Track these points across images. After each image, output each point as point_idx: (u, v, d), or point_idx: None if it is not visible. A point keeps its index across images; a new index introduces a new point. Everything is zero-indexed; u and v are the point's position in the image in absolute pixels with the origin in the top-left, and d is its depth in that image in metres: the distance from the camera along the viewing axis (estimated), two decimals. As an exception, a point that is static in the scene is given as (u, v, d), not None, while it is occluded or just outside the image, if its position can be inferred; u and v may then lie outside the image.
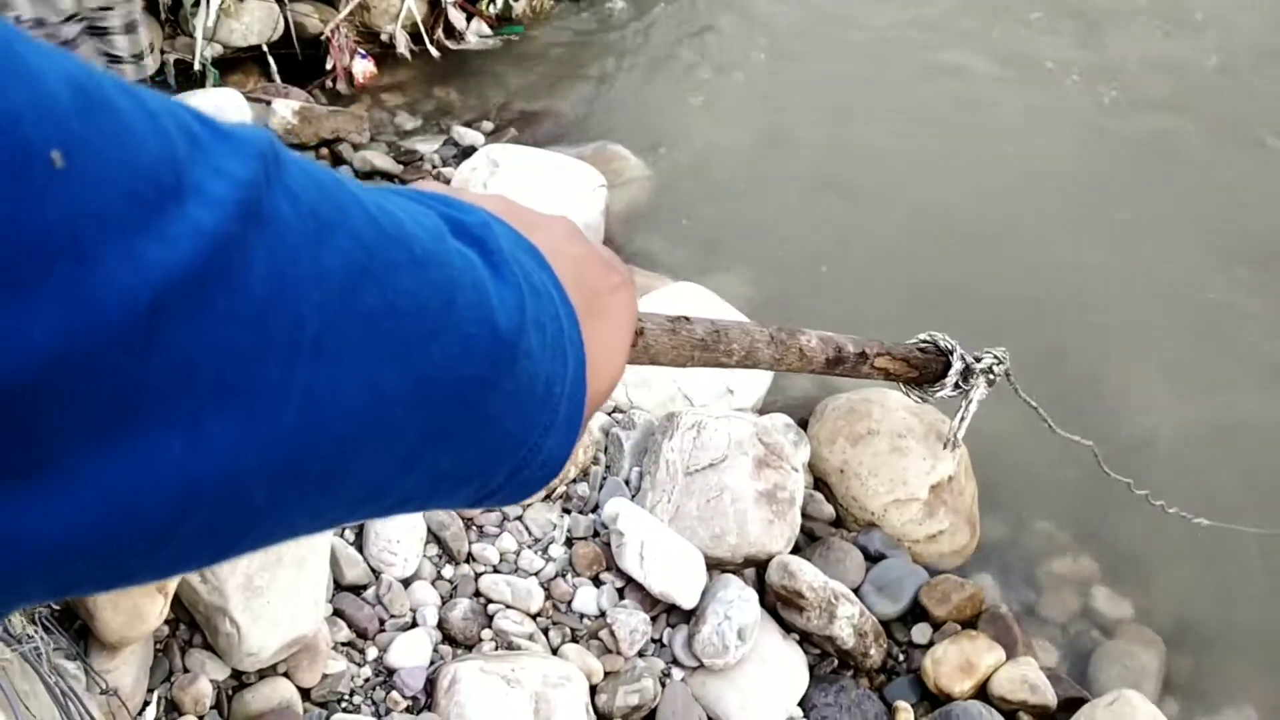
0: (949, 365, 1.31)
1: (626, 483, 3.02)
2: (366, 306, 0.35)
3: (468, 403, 0.40)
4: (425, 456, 0.40)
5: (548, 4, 5.57)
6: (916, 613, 2.99)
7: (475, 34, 5.26)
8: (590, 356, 0.50)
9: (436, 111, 4.82)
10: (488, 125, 4.71)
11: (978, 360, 1.16)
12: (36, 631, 1.57)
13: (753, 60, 5.26)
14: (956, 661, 2.81)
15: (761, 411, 3.38)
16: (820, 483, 3.28)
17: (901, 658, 2.92)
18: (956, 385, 1.19)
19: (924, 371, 1.22)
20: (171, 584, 2.21)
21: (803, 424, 3.36)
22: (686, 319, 0.94)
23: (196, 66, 4.53)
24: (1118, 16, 5.48)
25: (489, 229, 0.45)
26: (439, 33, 5.12)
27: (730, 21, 5.52)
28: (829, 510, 3.22)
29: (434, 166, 4.44)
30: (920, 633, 2.95)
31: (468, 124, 4.74)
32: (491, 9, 5.35)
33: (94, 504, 0.30)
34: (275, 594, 2.37)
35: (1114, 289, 4.03)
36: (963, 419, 1.28)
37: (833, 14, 5.50)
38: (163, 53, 4.60)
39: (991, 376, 1.23)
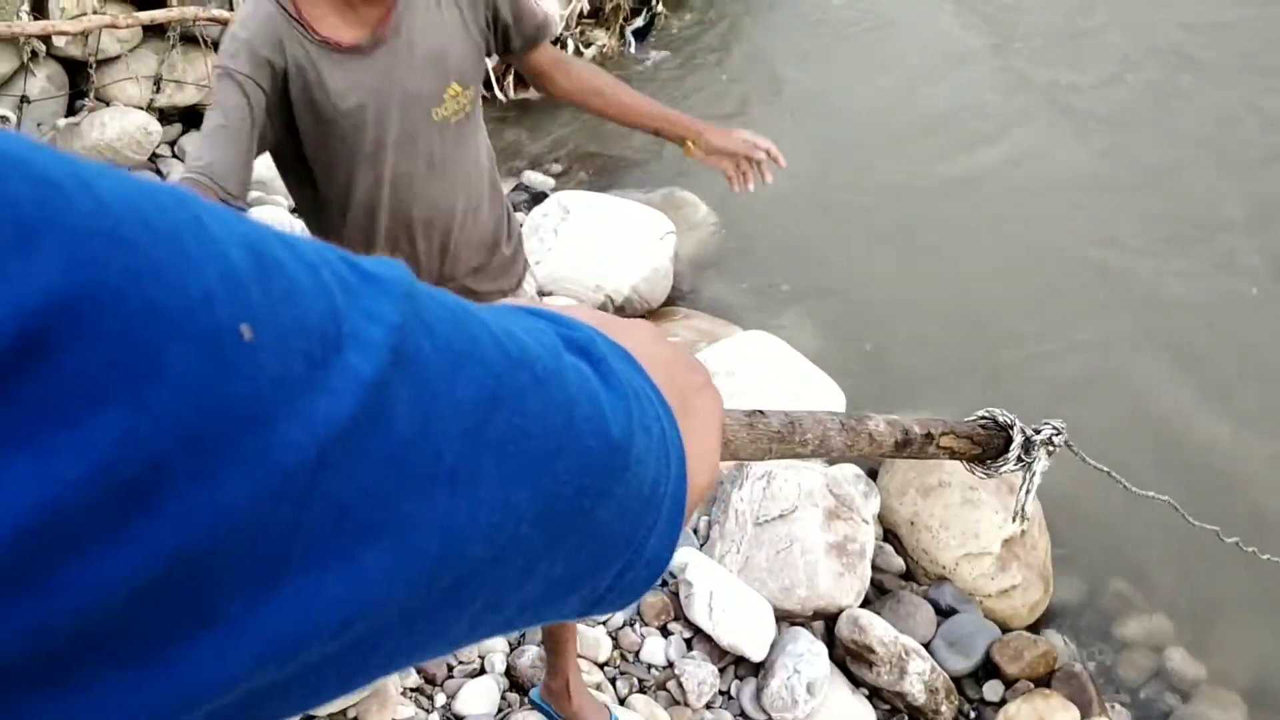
0: (1009, 440, 1.30)
1: (695, 532, 3.01)
2: (498, 432, 0.36)
3: (585, 512, 0.41)
4: (542, 565, 0.40)
5: (616, 48, 5.64)
6: (988, 669, 2.94)
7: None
8: (688, 454, 0.50)
9: (506, 154, 4.89)
10: (556, 168, 4.77)
11: (1037, 433, 1.16)
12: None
13: (813, 104, 5.28)
14: (1030, 720, 2.76)
15: (831, 462, 3.36)
16: (890, 534, 3.25)
17: (973, 715, 2.87)
18: (1019, 459, 1.18)
19: (986, 448, 1.23)
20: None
21: (872, 475, 3.33)
22: (762, 413, 0.94)
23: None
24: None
25: (594, 342, 0.46)
26: (508, 80, 5.20)
27: (783, 66, 5.57)
28: (899, 563, 3.18)
29: (504, 211, 4.48)
30: (992, 690, 2.90)
31: (535, 166, 4.80)
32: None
33: (254, 650, 0.30)
34: (348, 639, 2.38)
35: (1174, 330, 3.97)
36: (1028, 491, 1.27)
37: (895, 56, 5.51)
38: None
39: (1051, 448, 1.23)
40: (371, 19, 1.74)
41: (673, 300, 4.09)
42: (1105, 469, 1.25)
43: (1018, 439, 1.12)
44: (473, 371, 0.35)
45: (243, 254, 0.29)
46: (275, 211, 3.98)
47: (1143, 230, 4.42)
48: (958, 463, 3.05)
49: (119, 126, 4.18)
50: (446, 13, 1.82)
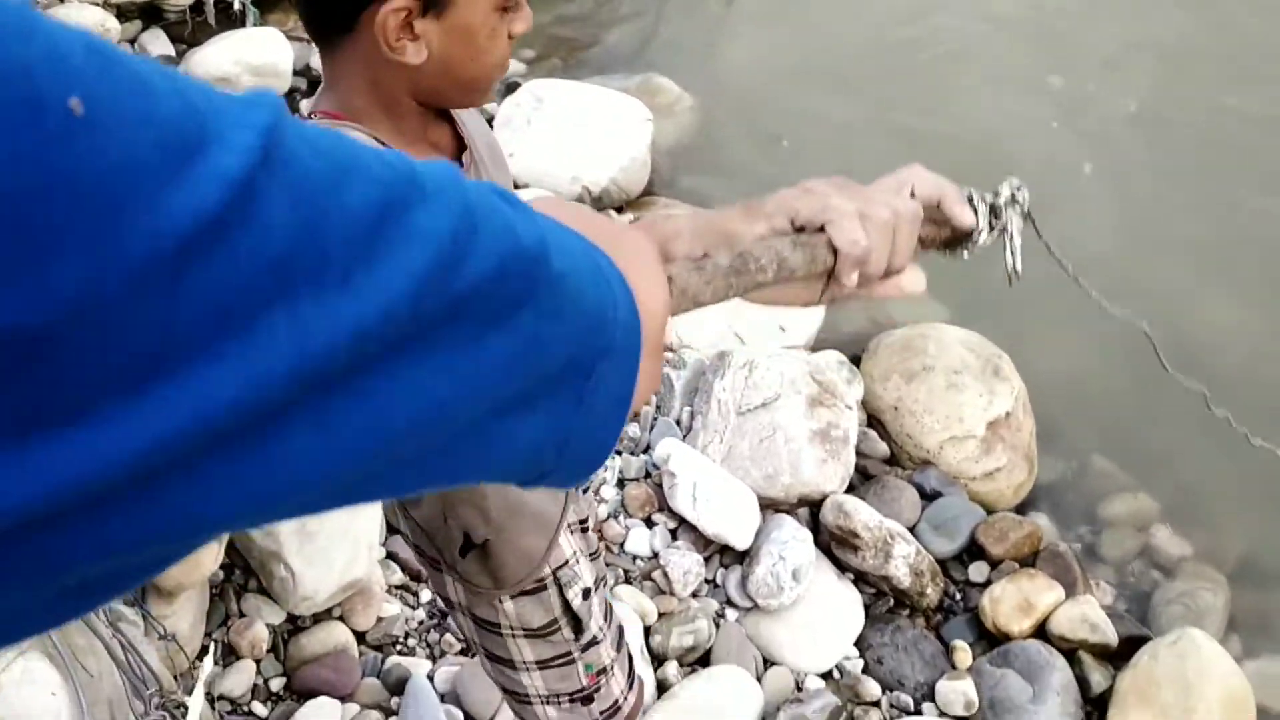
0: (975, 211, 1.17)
1: (678, 423, 2.99)
2: (390, 239, 0.36)
3: (505, 318, 0.41)
4: (466, 367, 0.40)
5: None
6: (973, 551, 2.94)
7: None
8: (632, 285, 0.51)
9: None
10: (528, 54, 4.64)
11: (996, 195, 1.05)
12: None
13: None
14: (1015, 600, 2.77)
15: (814, 349, 3.33)
16: (874, 420, 3.23)
17: (958, 597, 2.88)
18: (990, 227, 1.06)
19: (956, 230, 1.12)
20: (226, 529, 2.21)
21: (855, 361, 3.30)
22: (707, 254, 0.90)
23: (236, 6, 4.49)
24: None
25: (496, 188, 0.47)
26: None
27: None
28: (883, 448, 3.17)
29: (477, 103, 4.37)
30: (977, 571, 2.91)
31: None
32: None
33: (137, 447, 0.31)
34: (329, 538, 2.37)
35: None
36: (1013, 252, 1.14)
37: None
38: (202, -8, 4.56)
39: (1017, 203, 1.11)
40: (445, 138, 1.38)
41: (651, 190, 4.01)
42: (1064, 262, 1.15)
43: (981, 208, 1.04)
44: (358, 182, 0.36)
45: (79, 48, 0.29)
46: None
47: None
48: (945, 333, 3.00)
49: (74, 23, 4.04)
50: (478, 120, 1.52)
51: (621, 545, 2.74)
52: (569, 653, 1.61)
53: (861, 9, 4.96)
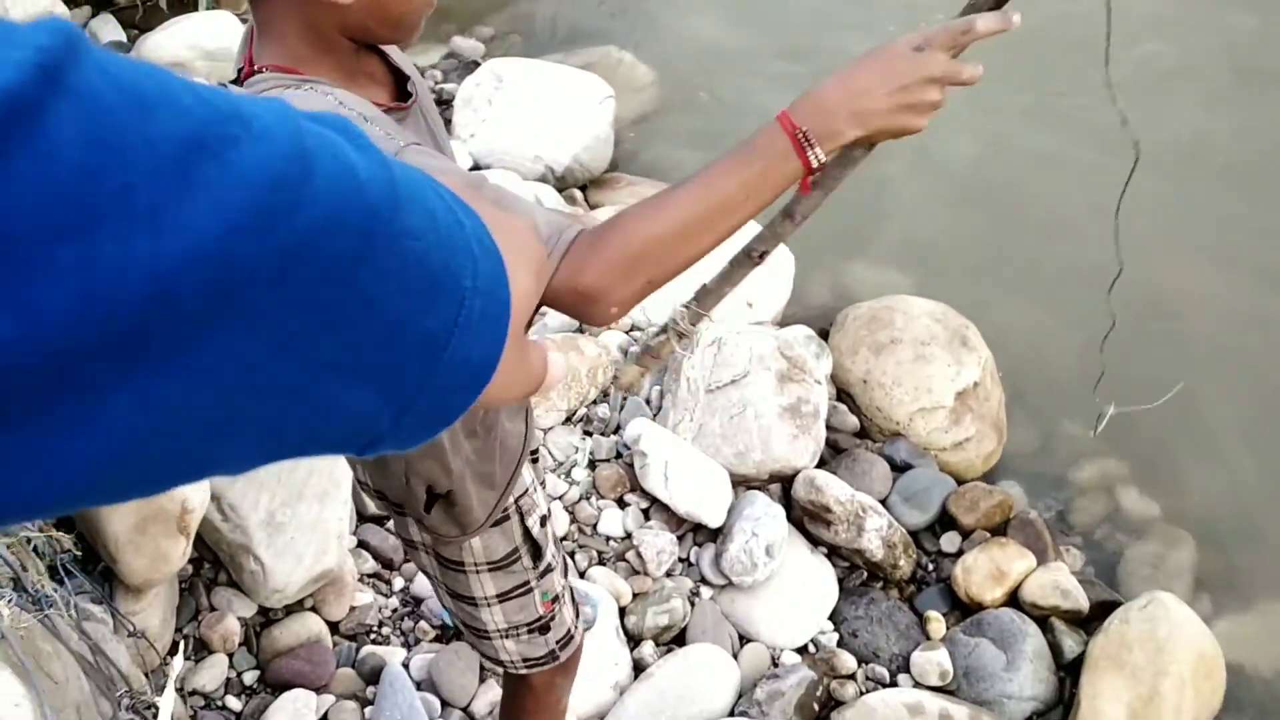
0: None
1: (648, 402, 2.98)
2: (206, 177, 0.33)
3: (337, 275, 0.38)
4: (302, 339, 0.37)
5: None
6: (945, 522, 2.96)
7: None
8: (503, 251, 0.48)
9: (432, 19, 4.68)
10: (487, 32, 4.59)
11: None
12: (59, 590, 1.54)
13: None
14: (987, 569, 2.79)
15: (782, 324, 3.32)
16: (843, 394, 3.23)
17: (931, 567, 2.89)
18: None
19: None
20: (193, 524, 2.18)
21: (824, 335, 3.30)
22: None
23: (188, -11, 4.42)
24: None
25: (350, 126, 0.43)
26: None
27: None
28: (853, 421, 3.17)
29: (436, 83, 4.33)
30: (949, 542, 2.92)
31: (464, 32, 4.63)
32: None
33: None
34: (298, 529, 2.34)
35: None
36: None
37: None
38: (153, -25, 4.48)
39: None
40: (380, 71, 1.36)
41: (615, 166, 3.99)
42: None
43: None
44: (165, 115, 0.33)
45: None
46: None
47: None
48: (911, 305, 3.00)
49: (23, 11, 3.97)
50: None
51: (594, 527, 2.73)
52: (527, 581, 1.66)
53: None
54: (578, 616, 1.81)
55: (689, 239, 1.04)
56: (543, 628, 1.72)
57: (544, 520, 1.66)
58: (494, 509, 1.55)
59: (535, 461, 1.75)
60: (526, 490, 1.62)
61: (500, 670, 1.82)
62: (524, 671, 1.76)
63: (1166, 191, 3.82)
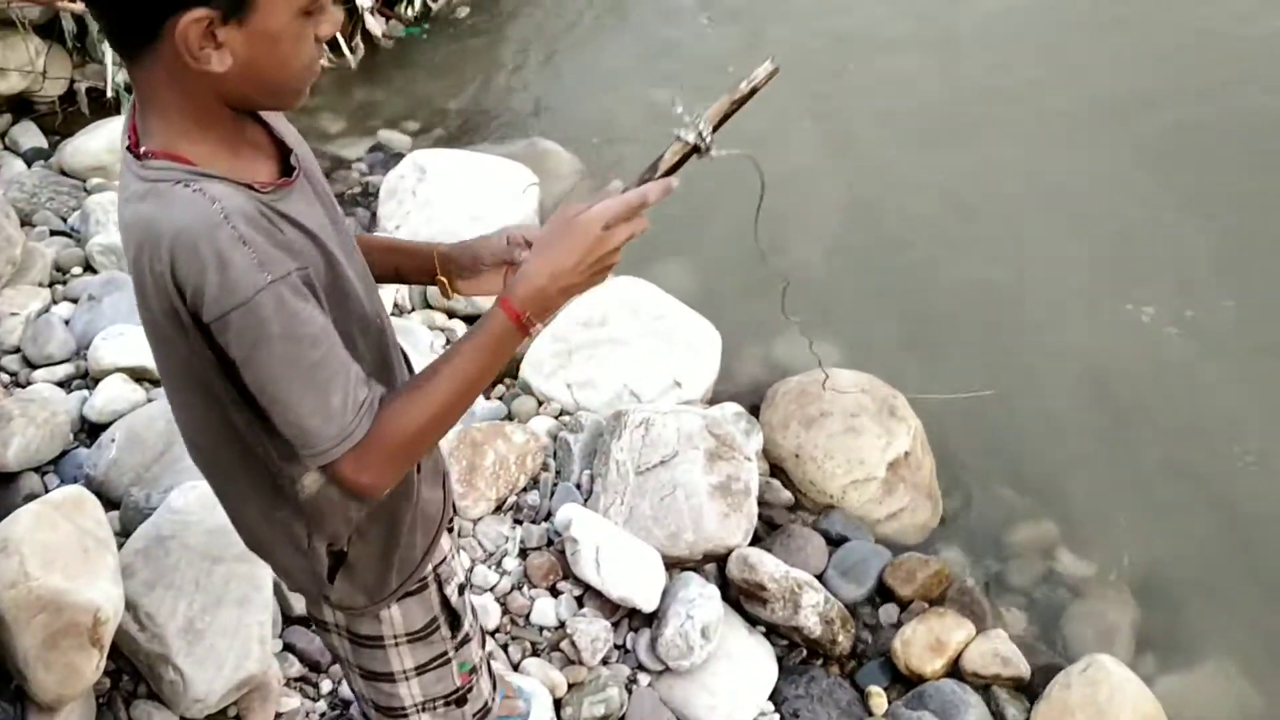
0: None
1: (578, 487, 2.95)
2: None
3: None
4: None
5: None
6: (883, 594, 2.94)
7: (387, 34, 5.17)
8: None
9: (360, 112, 4.72)
10: (412, 125, 4.62)
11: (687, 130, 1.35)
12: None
13: (675, 43, 5.22)
14: (926, 641, 2.77)
15: (711, 402, 3.32)
16: (776, 469, 3.23)
17: (871, 641, 2.86)
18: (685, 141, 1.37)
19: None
20: (107, 636, 2.11)
21: (754, 411, 3.30)
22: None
23: (109, 93, 4.40)
24: None
25: None
26: (357, 38, 5.02)
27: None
28: (787, 496, 3.16)
29: (362, 175, 4.34)
30: (888, 614, 2.90)
31: (392, 124, 4.66)
32: (410, 11, 5.26)
33: None
34: (218, 636, 2.28)
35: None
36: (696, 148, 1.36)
37: None
38: (72, 82, 4.46)
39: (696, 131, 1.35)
40: (263, 140, 1.34)
41: (541, 252, 3.99)
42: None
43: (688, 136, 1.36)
44: None
45: None
46: (116, 197, 3.79)
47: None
48: (839, 378, 3.01)
49: (-62, 121, 3.94)
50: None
51: (527, 617, 2.69)
52: (445, 652, 1.66)
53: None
54: (494, 688, 1.81)
55: (445, 422, 1.29)
56: (460, 699, 1.71)
57: (462, 589, 1.66)
58: (408, 577, 1.54)
59: (451, 531, 1.73)
60: (445, 558, 1.61)
61: None
62: None
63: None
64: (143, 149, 1.22)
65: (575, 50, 5.23)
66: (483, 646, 1.75)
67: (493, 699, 1.78)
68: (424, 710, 1.68)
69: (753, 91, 1.37)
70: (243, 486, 1.43)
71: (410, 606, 1.58)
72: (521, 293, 1.28)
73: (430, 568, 1.58)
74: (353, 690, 1.77)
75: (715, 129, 1.37)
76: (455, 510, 1.91)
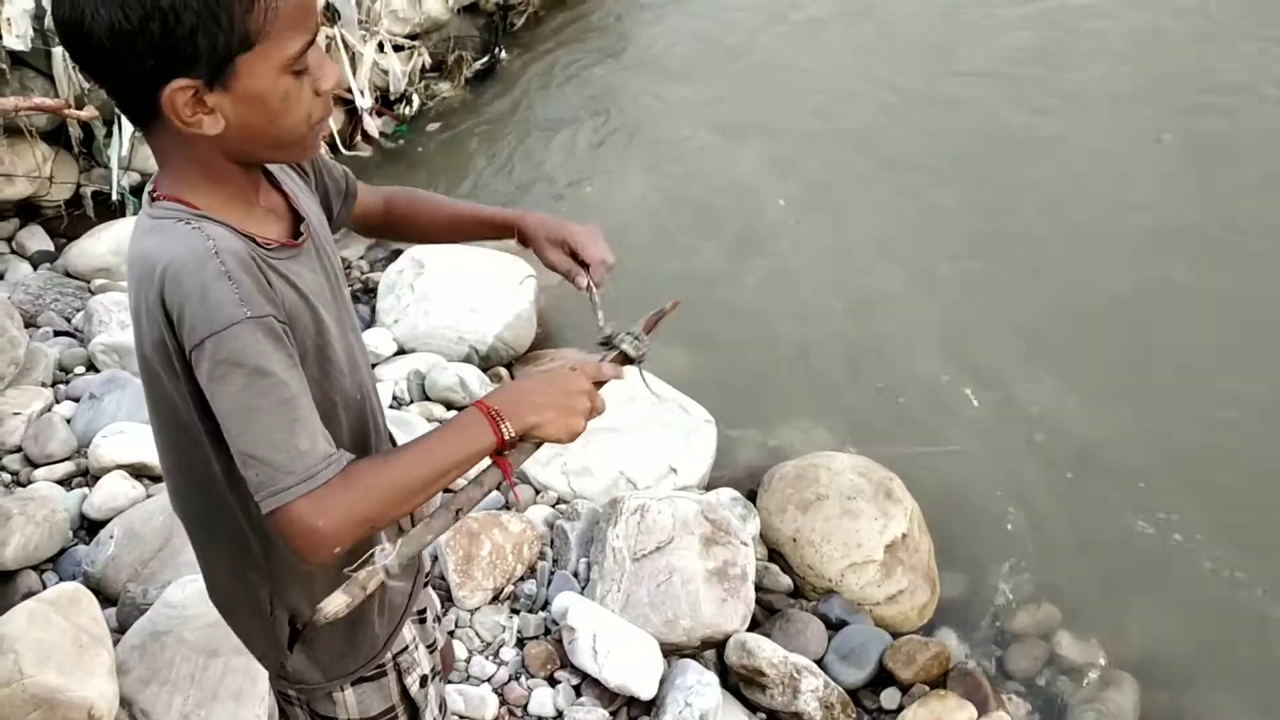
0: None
1: (575, 575, 2.95)
2: None
3: None
4: None
5: (460, 97, 5.64)
6: (883, 678, 2.92)
7: (383, 132, 5.32)
8: None
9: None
10: (410, 224, 4.71)
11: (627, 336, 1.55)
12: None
13: (662, 129, 5.36)
14: (928, 724, 2.74)
15: (708, 487, 3.34)
16: (775, 554, 3.23)
17: (872, 726, 2.84)
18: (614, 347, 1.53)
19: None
20: (102, 733, 2.11)
21: (751, 496, 3.31)
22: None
23: (114, 196, 4.50)
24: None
25: None
26: (357, 138, 5.14)
27: (626, 82, 5.67)
28: (786, 581, 3.16)
29: (362, 273, 4.41)
30: (889, 698, 2.88)
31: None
32: (408, 110, 5.39)
33: None
34: (214, 735, 2.27)
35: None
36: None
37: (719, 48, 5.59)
38: (78, 186, 4.57)
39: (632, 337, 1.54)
40: (280, 206, 1.39)
41: (538, 344, 4.04)
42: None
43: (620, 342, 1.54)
44: None
45: None
46: (119, 297, 3.85)
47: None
48: (835, 460, 3.00)
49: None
50: (298, 187, 1.49)
51: (525, 708, 2.67)
52: None
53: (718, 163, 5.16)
54: None
55: (408, 496, 1.26)
56: None
57: (424, 680, 1.64)
58: (366, 662, 1.54)
59: (424, 623, 1.73)
60: (406, 648, 1.60)
61: None
62: None
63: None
64: (156, 193, 1.29)
65: (569, 142, 5.36)
66: None
67: None
68: None
69: (662, 315, 1.61)
70: (217, 539, 1.45)
71: (367, 692, 1.57)
72: (496, 395, 1.35)
73: (390, 655, 1.58)
74: None
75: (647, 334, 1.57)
76: (443, 603, 1.89)
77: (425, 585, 1.76)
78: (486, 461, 1.33)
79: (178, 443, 1.37)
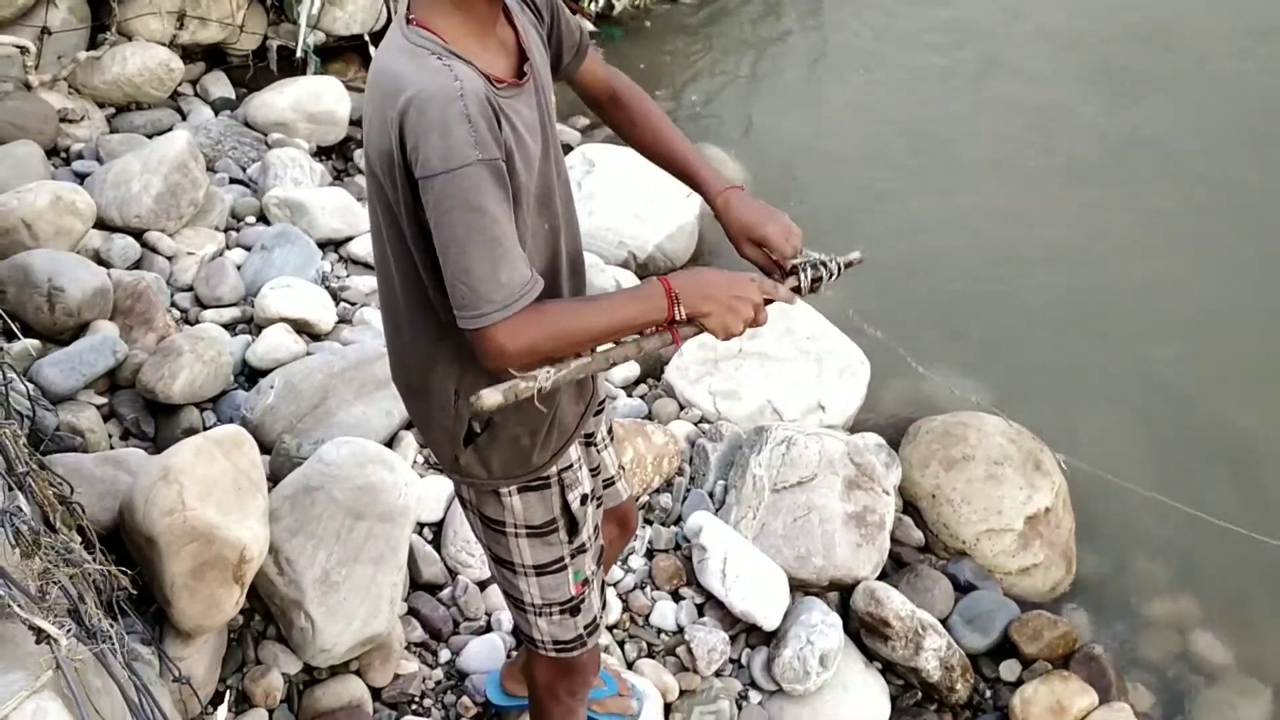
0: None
1: (710, 496, 2.94)
2: None
3: None
4: None
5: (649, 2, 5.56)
6: (1006, 648, 2.86)
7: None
8: None
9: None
10: (582, 120, 4.67)
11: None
12: (114, 626, 1.53)
13: (853, 56, 5.22)
14: (1047, 703, 2.68)
15: (853, 430, 3.28)
16: (910, 506, 3.17)
17: (989, 694, 2.79)
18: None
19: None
20: (250, 574, 2.17)
21: (894, 445, 3.25)
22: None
23: (299, 53, 4.55)
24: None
25: None
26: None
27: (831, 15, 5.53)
28: (918, 536, 3.10)
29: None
30: (1009, 670, 2.82)
31: (563, 119, 4.71)
32: (594, 6, 5.32)
33: None
34: (351, 590, 2.33)
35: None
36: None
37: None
38: (265, 38, 4.62)
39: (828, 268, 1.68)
40: (510, 42, 1.51)
41: (697, 258, 4.00)
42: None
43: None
44: None
45: None
46: (295, 154, 3.91)
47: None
48: (986, 422, 2.95)
49: (140, 62, 4.10)
50: (529, 23, 1.60)
51: (646, 618, 2.69)
52: (562, 558, 1.77)
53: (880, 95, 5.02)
54: (603, 608, 1.92)
55: (583, 344, 1.46)
56: (574, 609, 1.82)
57: (585, 499, 1.77)
58: (531, 470, 1.67)
59: (589, 446, 1.88)
60: (571, 465, 1.73)
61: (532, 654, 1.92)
62: (553, 654, 1.85)
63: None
64: (411, 16, 1.42)
65: (761, 68, 5.27)
66: (597, 564, 1.85)
67: (600, 616, 1.89)
68: (541, 614, 1.81)
69: (849, 265, 1.72)
70: (416, 330, 1.58)
71: (531, 501, 1.71)
72: (678, 276, 1.51)
73: (555, 470, 1.70)
74: (492, 574, 1.91)
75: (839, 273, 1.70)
76: (611, 433, 2.03)
77: (599, 413, 1.92)
78: None
79: (388, 237, 1.51)
